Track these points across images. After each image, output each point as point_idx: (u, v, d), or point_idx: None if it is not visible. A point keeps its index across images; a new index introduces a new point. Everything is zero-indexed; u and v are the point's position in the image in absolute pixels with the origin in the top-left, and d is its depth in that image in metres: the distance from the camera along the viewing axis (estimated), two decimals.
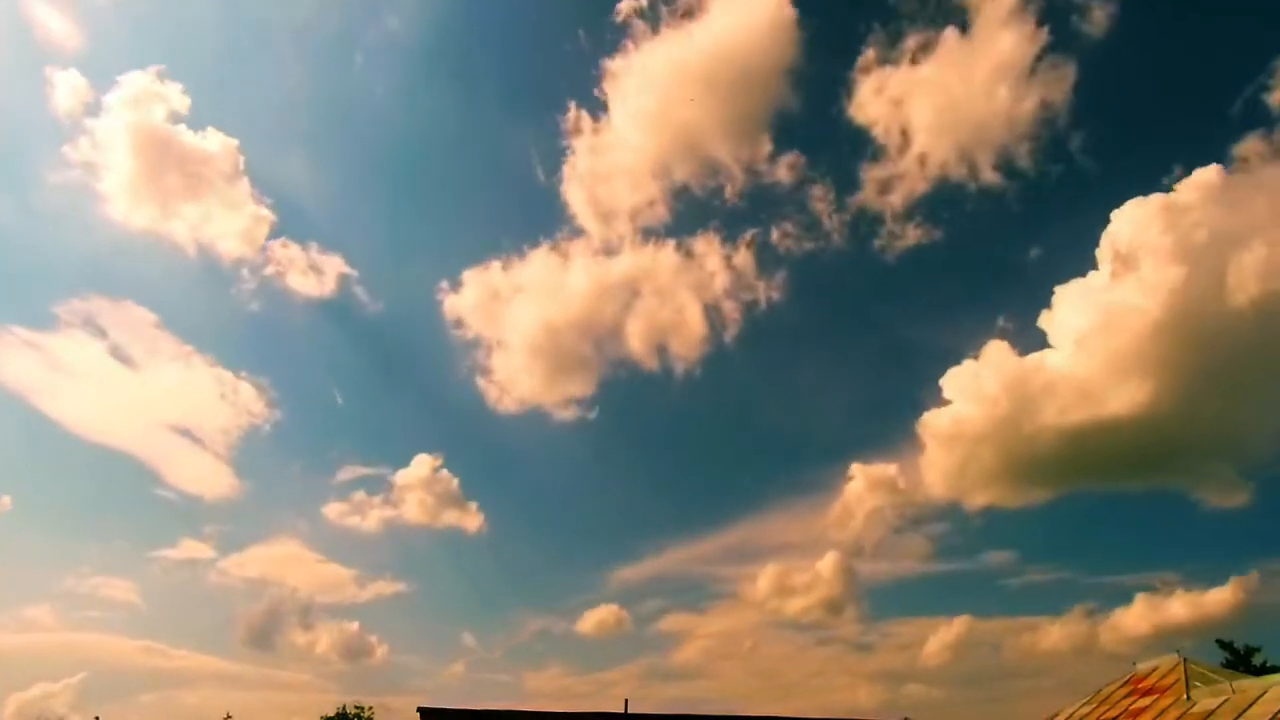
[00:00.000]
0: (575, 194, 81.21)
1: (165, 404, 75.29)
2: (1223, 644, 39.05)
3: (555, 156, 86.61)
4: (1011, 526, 68.24)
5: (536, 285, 79.18)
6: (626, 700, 24.31)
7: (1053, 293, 64.50)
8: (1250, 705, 17.20)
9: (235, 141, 74.33)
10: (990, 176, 70.90)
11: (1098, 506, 67.83)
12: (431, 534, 74.79)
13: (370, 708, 39.24)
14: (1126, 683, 23.57)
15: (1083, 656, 57.43)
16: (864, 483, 68.31)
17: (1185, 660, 22.12)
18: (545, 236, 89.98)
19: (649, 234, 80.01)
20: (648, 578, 71.45)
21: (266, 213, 75.80)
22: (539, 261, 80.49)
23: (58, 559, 67.66)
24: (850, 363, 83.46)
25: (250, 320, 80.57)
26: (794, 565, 70.04)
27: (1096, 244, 58.10)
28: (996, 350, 65.73)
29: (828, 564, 66.25)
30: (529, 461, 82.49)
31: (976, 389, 63.42)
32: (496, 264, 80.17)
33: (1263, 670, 35.10)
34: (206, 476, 70.80)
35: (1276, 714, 16.13)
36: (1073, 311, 58.87)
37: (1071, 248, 73.75)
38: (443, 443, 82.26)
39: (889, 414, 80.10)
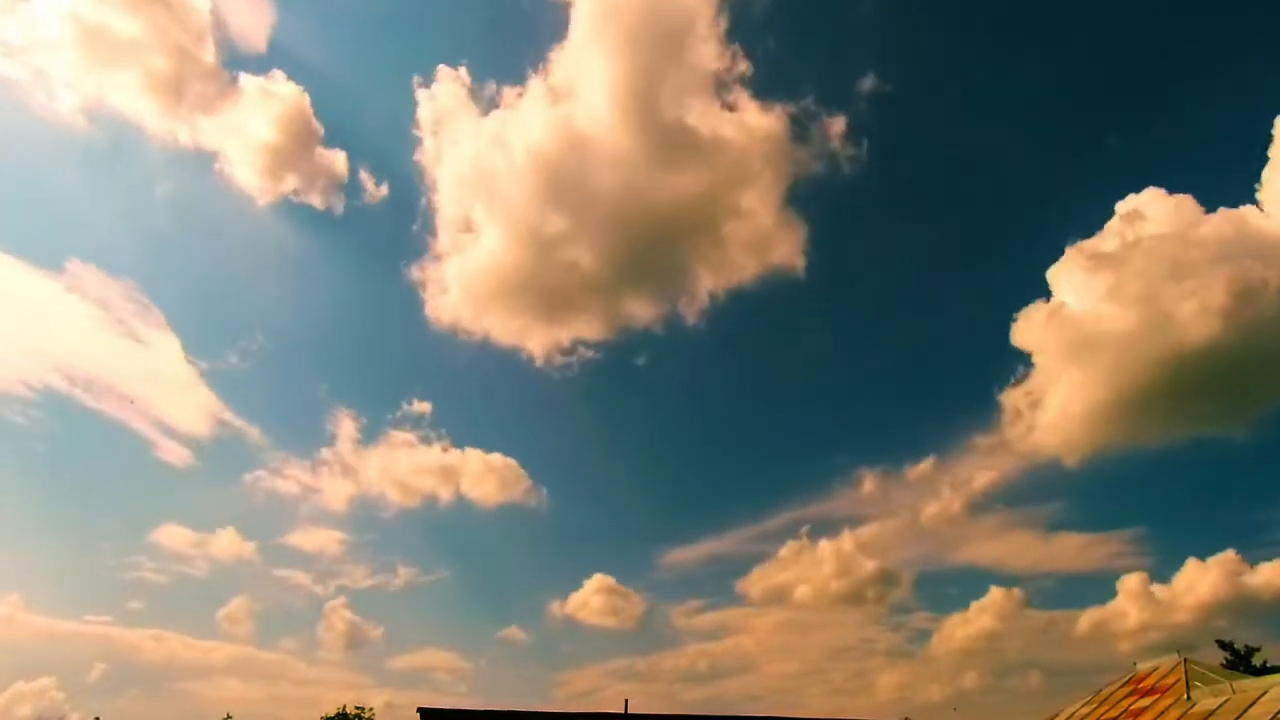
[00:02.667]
0: None
1: None
2: (1223, 644, 39.09)
3: None
4: None
5: None
6: (626, 701, 24.38)
7: None
8: (1250, 705, 17.23)
9: None
10: None
11: None
12: None
13: (370, 708, 39.28)
14: (1127, 683, 23.61)
15: None
16: None
17: (1186, 661, 22.17)
18: None
19: None
20: None
21: None
22: None
23: None
24: None
25: None
26: None
27: None
28: None
29: None
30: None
31: None
32: None
33: (1263, 670, 35.14)
34: None
35: (1276, 714, 16.17)
36: None
37: None
38: None
39: None
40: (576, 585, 70.09)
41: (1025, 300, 77.05)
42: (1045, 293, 68.39)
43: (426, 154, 79.08)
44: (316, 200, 74.35)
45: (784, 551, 68.83)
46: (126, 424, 68.52)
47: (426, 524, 75.02)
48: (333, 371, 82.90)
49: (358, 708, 39.33)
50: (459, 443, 75.06)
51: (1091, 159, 79.16)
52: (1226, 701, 18.17)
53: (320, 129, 74.65)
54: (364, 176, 78.68)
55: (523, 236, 71.62)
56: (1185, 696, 19.85)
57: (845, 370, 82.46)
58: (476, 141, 75.54)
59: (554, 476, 77.76)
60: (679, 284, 76.41)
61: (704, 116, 71.04)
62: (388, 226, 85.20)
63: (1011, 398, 65.71)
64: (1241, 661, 37.71)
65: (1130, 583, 57.68)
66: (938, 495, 67.84)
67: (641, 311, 76.88)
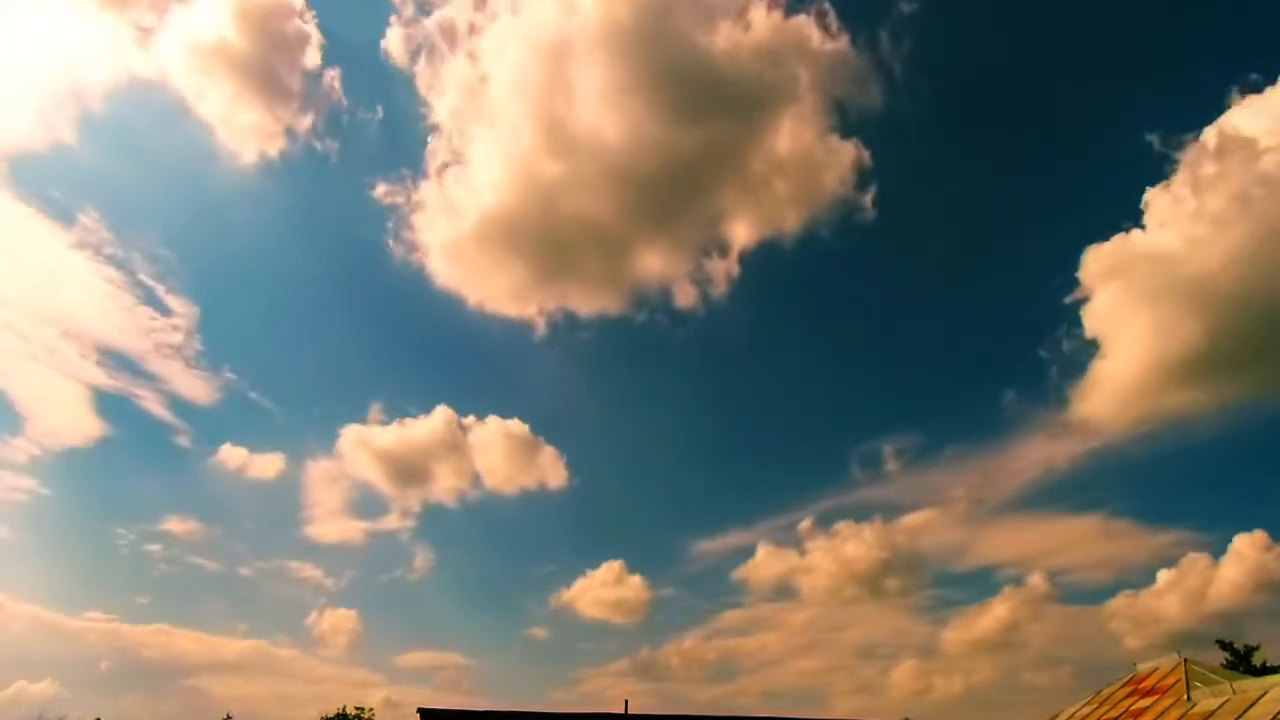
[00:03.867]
0: None
1: None
2: (1223, 644, 39.09)
3: None
4: None
5: None
6: (626, 701, 24.38)
7: None
8: (1250, 705, 17.23)
9: None
10: None
11: None
12: None
13: (370, 708, 39.32)
14: (1127, 683, 23.60)
15: None
16: None
17: (1186, 661, 22.16)
18: None
19: None
20: None
21: None
22: None
23: None
24: None
25: None
26: None
27: None
28: None
29: None
30: None
31: None
32: None
33: (1263, 670, 35.12)
34: None
35: (1277, 714, 16.16)
36: None
37: None
38: None
39: None
40: (583, 574, 68.81)
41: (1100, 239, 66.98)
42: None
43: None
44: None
45: (815, 542, 66.09)
46: None
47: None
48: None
49: (357, 708, 39.40)
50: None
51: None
52: (1227, 702, 18.17)
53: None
54: None
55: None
56: (1185, 696, 19.84)
57: (887, 340, 76.85)
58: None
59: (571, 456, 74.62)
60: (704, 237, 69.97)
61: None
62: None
63: (1070, 367, 61.17)
64: (1241, 661, 37.71)
65: (1195, 566, 53.15)
66: (988, 479, 65.19)
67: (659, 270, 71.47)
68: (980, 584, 69.88)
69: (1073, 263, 66.43)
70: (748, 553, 72.00)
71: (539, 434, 73.15)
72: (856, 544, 64.61)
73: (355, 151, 79.12)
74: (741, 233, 72.14)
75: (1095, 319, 58.74)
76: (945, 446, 69.63)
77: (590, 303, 74.62)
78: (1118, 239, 59.96)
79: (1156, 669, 23.08)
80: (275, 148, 73.18)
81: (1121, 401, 56.84)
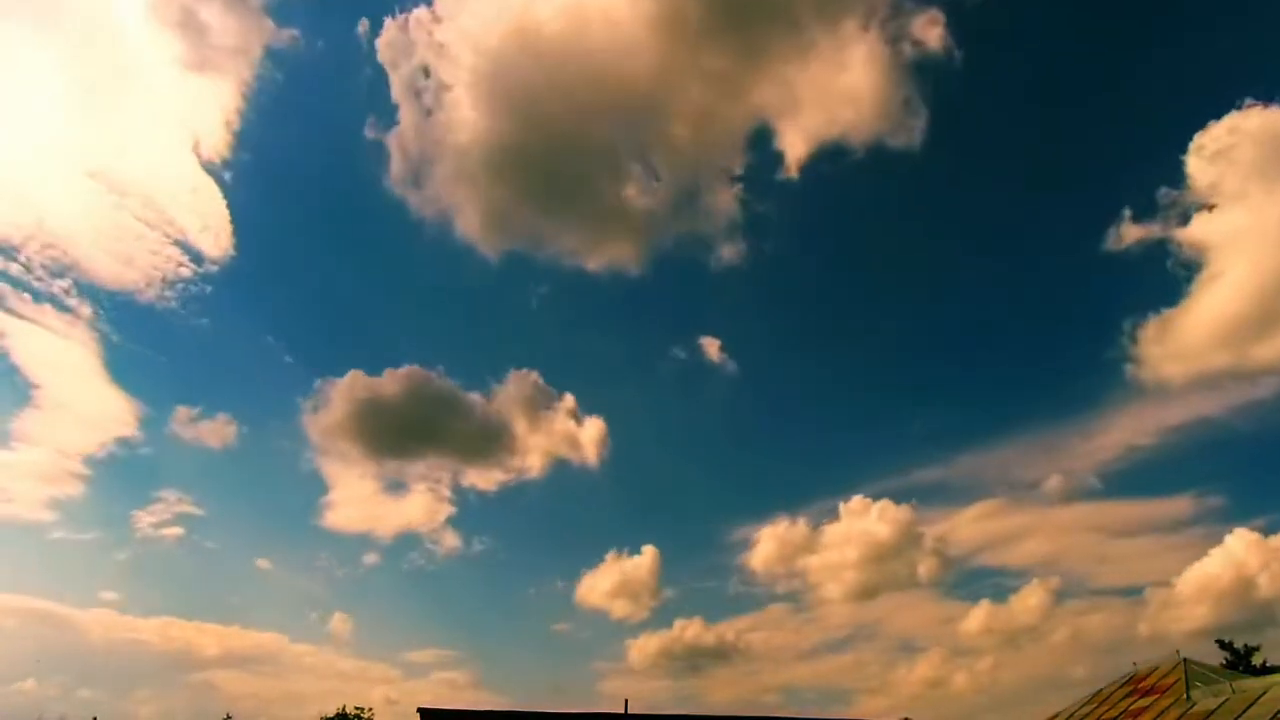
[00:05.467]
0: None
1: None
2: (1223, 644, 39.04)
3: None
4: None
5: None
6: (626, 700, 24.38)
7: None
8: (1250, 705, 17.23)
9: None
10: None
11: None
12: None
13: (370, 708, 39.26)
14: (1127, 683, 23.59)
15: None
16: None
17: (1185, 660, 22.15)
18: None
19: None
20: None
21: None
22: None
23: None
24: None
25: None
26: None
27: None
28: None
29: None
30: None
31: None
32: None
33: (1263, 670, 35.09)
34: None
35: (1276, 714, 16.16)
36: None
37: None
38: None
39: None
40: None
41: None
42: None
43: None
44: None
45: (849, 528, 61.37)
46: None
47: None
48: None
49: (357, 708, 39.36)
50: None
51: None
52: (1226, 701, 18.17)
53: None
54: None
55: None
56: (1185, 696, 19.83)
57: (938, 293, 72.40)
58: None
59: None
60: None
61: None
62: None
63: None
64: (1241, 661, 37.67)
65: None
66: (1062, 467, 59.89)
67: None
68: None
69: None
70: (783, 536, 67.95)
71: None
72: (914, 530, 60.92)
73: None
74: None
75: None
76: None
77: None
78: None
79: (1156, 669, 23.07)
80: None
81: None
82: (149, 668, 58.81)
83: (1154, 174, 73.21)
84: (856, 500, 62.19)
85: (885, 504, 61.02)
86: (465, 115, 66.08)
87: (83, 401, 66.02)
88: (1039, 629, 56.06)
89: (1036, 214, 72.96)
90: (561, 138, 65.23)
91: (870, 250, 75.72)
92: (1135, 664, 24.59)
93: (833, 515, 65.42)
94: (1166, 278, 58.30)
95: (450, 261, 75.65)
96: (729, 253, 70.68)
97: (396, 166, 70.00)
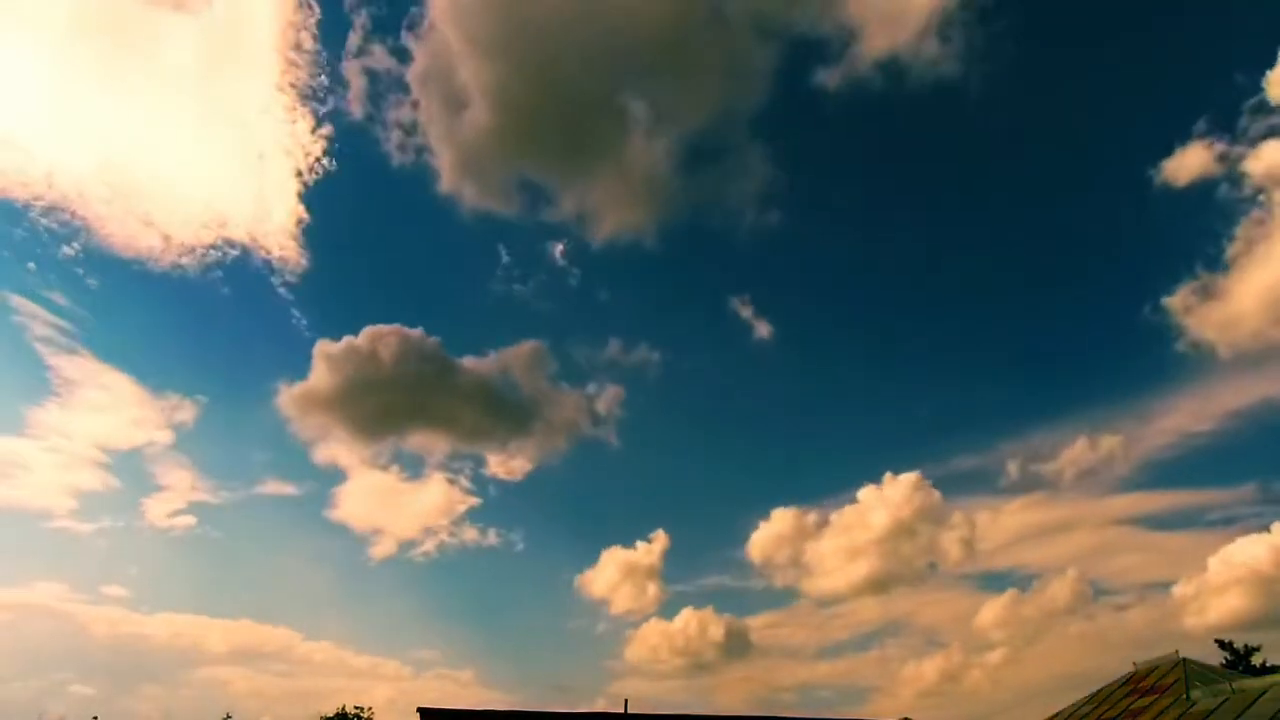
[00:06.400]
0: None
1: None
2: (1223, 644, 39.03)
3: None
4: None
5: None
6: (626, 700, 24.37)
7: None
8: (1250, 705, 17.21)
9: None
10: None
11: None
12: None
13: (370, 708, 39.24)
14: (1126, 682, 23.57)
15: None
16: None
17: (1185, 660, 22.13)
18: None
19: None
20: None
21: None
22: None
23: None
24: None
25: None
26: None
27: None
28: None
29: None
30: None
31: None
32: None
33: (1263, 670, 35.08)
34: None
35: (1276, 714, 16.14)
36: None
37: None
38: None
39: None
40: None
41: None
42: None
43: None
44: None
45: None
46: None
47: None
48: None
49: (357, 708, 39.34)
50: None
51: None
52: (1226, 701, 18.15)
53: None
54: None
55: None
56: (1184, 696, 19.81)
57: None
58: None
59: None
60: None
61: None
62: None
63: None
64: (1241, 661, 37.67)
65: None
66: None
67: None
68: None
69: None
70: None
71: None
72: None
73: None
74: None
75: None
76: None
77: None
78: None
79: (1156, 668, 23.05)
80: None
81: None
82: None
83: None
84: (886, 481, 59.70)
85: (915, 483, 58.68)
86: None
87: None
88: (1073, 621, 54.97)
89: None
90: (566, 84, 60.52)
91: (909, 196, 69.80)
92: (1135, 664, 24.60)
93: (851, 501, 63.42)
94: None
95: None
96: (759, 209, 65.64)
97: None
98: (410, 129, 71.34)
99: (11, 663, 53.42)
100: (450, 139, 66.40)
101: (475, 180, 69.20)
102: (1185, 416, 57.02)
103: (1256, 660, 37.64)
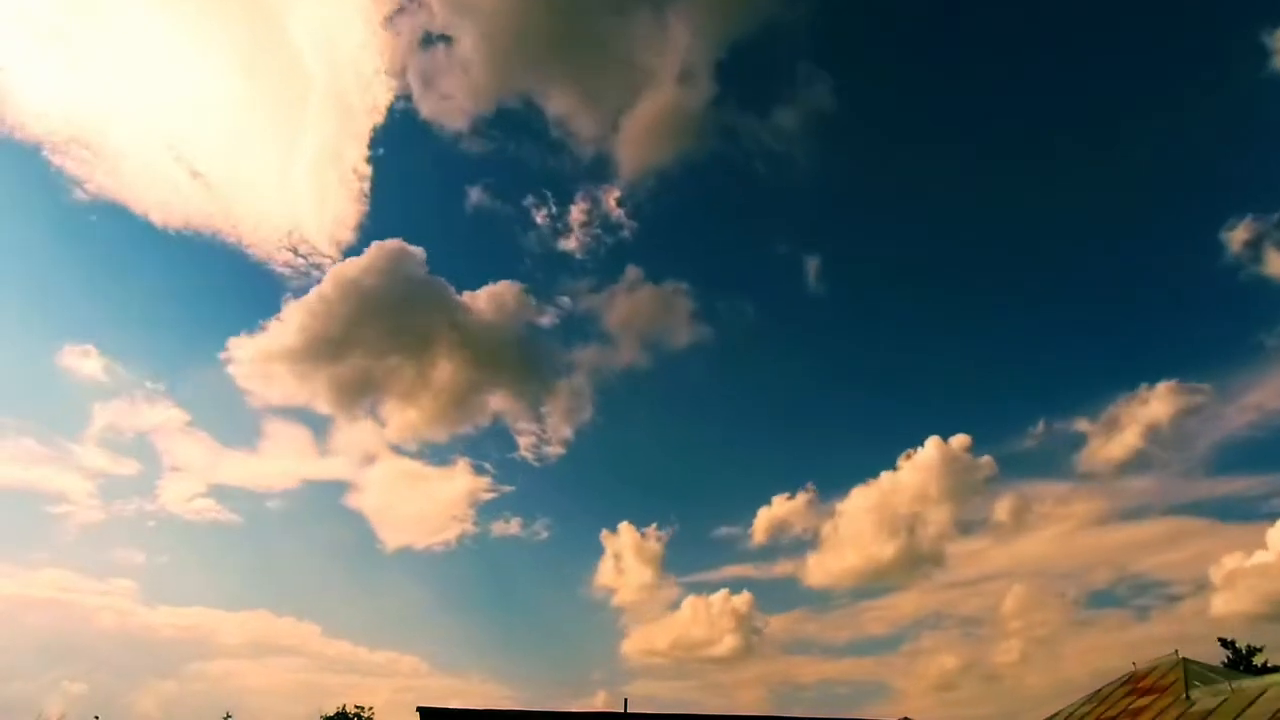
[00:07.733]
0: None
1: None
2: (1224, 643, 38.98)
3: None
4: None
5: None
6: (626, 700, 24.34)
7: None
8: (1250, 705, 17.17)
9: None
10: None
11: None
12: None
13: (370, 708, 39.31)
14: (1126, 682, 23.52)
15: None
16: None
17: (1185, 660, 22.08)
18: None
19: None
20: None
21: None
22: None
23: None
24: None
25: None
26: None
27: None
28: None
29: None
30: None
31: None
32: None
33: (1263, 670, 35.01)
34: None
35: (1276, 714, 16.10)
36: None
37: None
38: None
39: None
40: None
41: None
42: None
43: None
44: None
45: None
46: None
47: None
48: None
49: (358, 708, 39.40)
50: None
51: None
52: (1225, 701, 18.11)
53: None
54: None
55: None
56: (1184, 696, 19.76)
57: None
58: None
59: None
60: None
61: None
62: None
63: None
64: (1242, 661, 37.61)
65: None
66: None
67: None
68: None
69: None
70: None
71: None
72: None
73: None
74: None
75: None
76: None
77: None
78: None
79: (1155, 668, 23.00)
80: None
81: None
82: None
83: None
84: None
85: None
86: None
87: None
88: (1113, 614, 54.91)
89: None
90: None
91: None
92: (1134, 663, 24.56)
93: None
94: None
95: None
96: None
97: None
98: None
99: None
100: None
101: None
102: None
103: (1257, 660, 37.61)
